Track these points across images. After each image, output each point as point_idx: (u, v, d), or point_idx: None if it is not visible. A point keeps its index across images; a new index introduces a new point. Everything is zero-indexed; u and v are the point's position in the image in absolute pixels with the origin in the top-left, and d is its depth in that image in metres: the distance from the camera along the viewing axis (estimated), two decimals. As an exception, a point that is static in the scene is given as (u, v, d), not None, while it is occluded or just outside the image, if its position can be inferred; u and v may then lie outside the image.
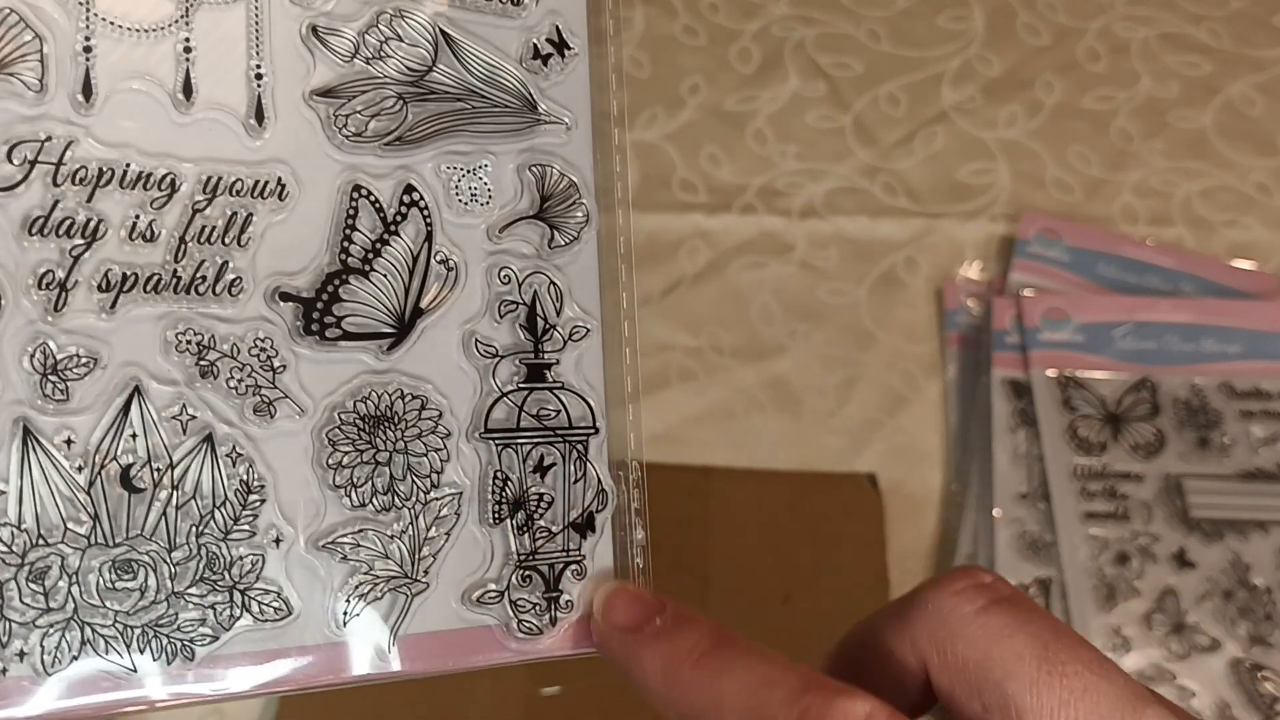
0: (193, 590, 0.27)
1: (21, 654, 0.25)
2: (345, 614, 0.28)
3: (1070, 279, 0.65)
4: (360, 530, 0.28)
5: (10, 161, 0.26)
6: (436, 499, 0.29)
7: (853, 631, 0.29)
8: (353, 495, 0.28)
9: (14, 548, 0.25)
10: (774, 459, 0.62)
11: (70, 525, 0.26)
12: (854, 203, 0.68)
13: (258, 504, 0.27)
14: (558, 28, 0.32)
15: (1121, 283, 0.65)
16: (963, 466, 0.62)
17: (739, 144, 0.69)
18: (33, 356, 0.26)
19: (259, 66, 0.28)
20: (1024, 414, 0.61)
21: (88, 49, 0.27)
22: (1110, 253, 0.66)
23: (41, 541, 0.25)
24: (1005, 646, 0.25)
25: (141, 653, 0.26)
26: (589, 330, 0.32)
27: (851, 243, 0.67)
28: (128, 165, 0.27)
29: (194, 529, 0.27)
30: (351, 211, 0.29)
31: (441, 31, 0.31)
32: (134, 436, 0.26)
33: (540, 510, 0.30)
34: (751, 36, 0.70)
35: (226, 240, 0.28)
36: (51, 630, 0.25)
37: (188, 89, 0.28)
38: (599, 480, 0.31)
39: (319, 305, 0.29)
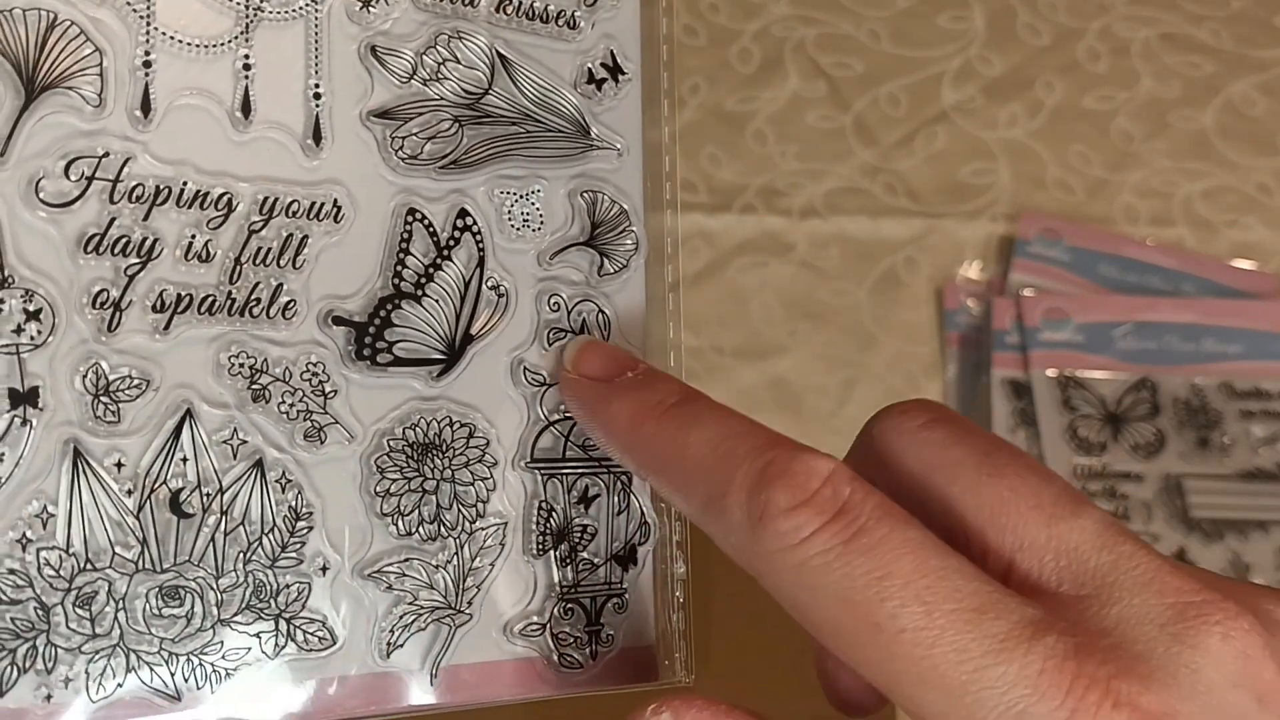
0: (239, 618, 0.26)
1: (67, 680, 0.25)
2: (389, 644, 0.28)
3: (1071, 279, 0.65)
4: (406, 559, 0.28)
5: (68, 177, 0.25)
6: (482, 529, 0.29)
7: None
8: (399, 524, 0.28)
9: (62, 572, 0.25)
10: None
11: (118, 550, 0.25)
12: (854, 203, 0.68)
13: (305, 531, 0.27)
14: (612, 52, 0.32)
15: (1122, 283, 0.65)
16: None
17: (739, 144, 0.68)
18: (85, 377, 0.25)
19: (317, 85, 0.28)
20: (1024, 414, 0.61)
21: (147, 63, 0.26)
22: (1111, 253, 0.66)
23: (89, 566, 0.25)
24: (946, 455, 0.25)
25: (186, 680, 0.26)
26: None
27: (852, 243, 0.67)
28: (184, 184, 0.26)
29: (242, 555, 0.26)
30: (405, 235, 0.29)
31: (498, 54, 0.30)
32: (184, 460, 0.26)
33: (584, 542, 0.30)
34: (751, 36, 0.70)
35: (281, 262, 0.27)
36: (97, 656, 0.25)
37: (246, 107, 0.27)
38: (642, 512, 0.31)
39: (371, 330, 0.28)
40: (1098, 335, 0.62)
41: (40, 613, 0.24)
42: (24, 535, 0.24)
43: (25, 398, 0.25)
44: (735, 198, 0.68)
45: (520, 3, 0.31)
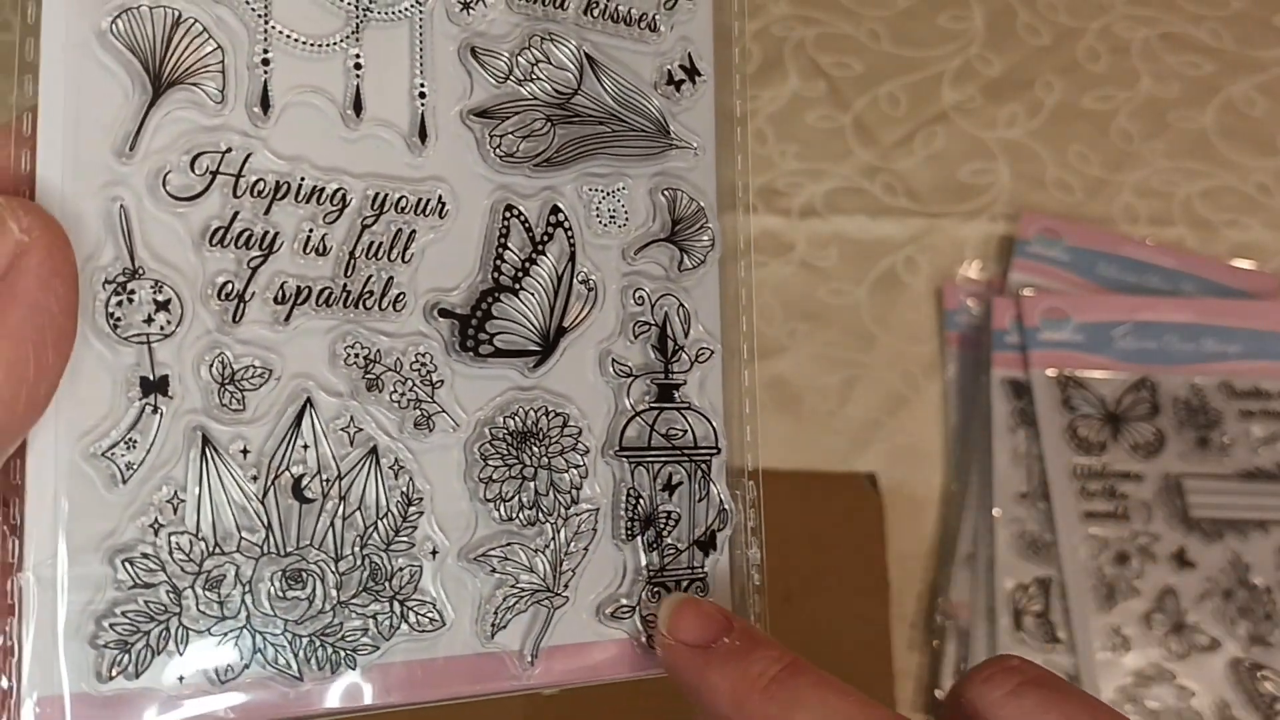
0: (356, 600, 0.27)
1: (197, 661, 0.25)
2: (494, 625, 0.29)
3: (1070, 279, 0.66)
4: (508, 544, 0.29)
5: (193, 171, 0.26)
6: (576, 515, 0.30)
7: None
8: (501, 509, 0.29)
9: (192, 555, 0.25)
10: (774, 459, 0.63)
11: (244, 534, 0.26)
12: (854, 202, 0.68)
13: (416, 516, 0.28)
14: (690, 55, 0.33)
15: (1121, 282, 0.66)
16: (963, 466, 0.63)
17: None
18: (210, 366, 0.26)
19: (422, 85, 0.29)
20: (1024, 414, 0.62)
21: (265, 61, 0.27)
22: (1110, 252, 0.66)
23: (218, 550, 0.26)
24: None
25: (308, 661, 0.26)
26: (713, 352, 0.33)
27: (851, 242, 0.68)
28: (302, 179, 0.27)
29: (359, 539, 0.27)
30: (503, 230, 0.30)
31: (586, 55, 0.31)
32: (305, 447, 0.27)
33: (669, 528, 0.31)
34: (752, 36, 0.71)
35: (392, 256, 0.28)
36: (226, 638, 0.26)
37: (358, 105, 0.28)
38: (720, 499, 0.32)
39: (474, 322, 0.29)
40: (1097, 335, 0.64)
41: (172, 596, 0.25)
42: (156, 520, 0.25)
43: (156, 386, 0.25)
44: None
45: (605, 5, 0.32)
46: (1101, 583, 0.59)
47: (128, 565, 0.25)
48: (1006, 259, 0.67)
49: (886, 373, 0.66)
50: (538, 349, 0.30)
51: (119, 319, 0.25)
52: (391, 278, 0.28)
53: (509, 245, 0.30)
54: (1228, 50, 0.72)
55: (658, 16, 0.33)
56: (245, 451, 0.26)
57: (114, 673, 0.24)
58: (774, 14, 0.72)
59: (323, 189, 0.27)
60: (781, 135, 0.70)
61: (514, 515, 0.29)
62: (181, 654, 0.25)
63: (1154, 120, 0.70)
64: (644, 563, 0.31)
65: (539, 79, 0.30)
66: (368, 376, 0.28)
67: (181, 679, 0.25)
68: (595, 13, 0.32)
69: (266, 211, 0.27)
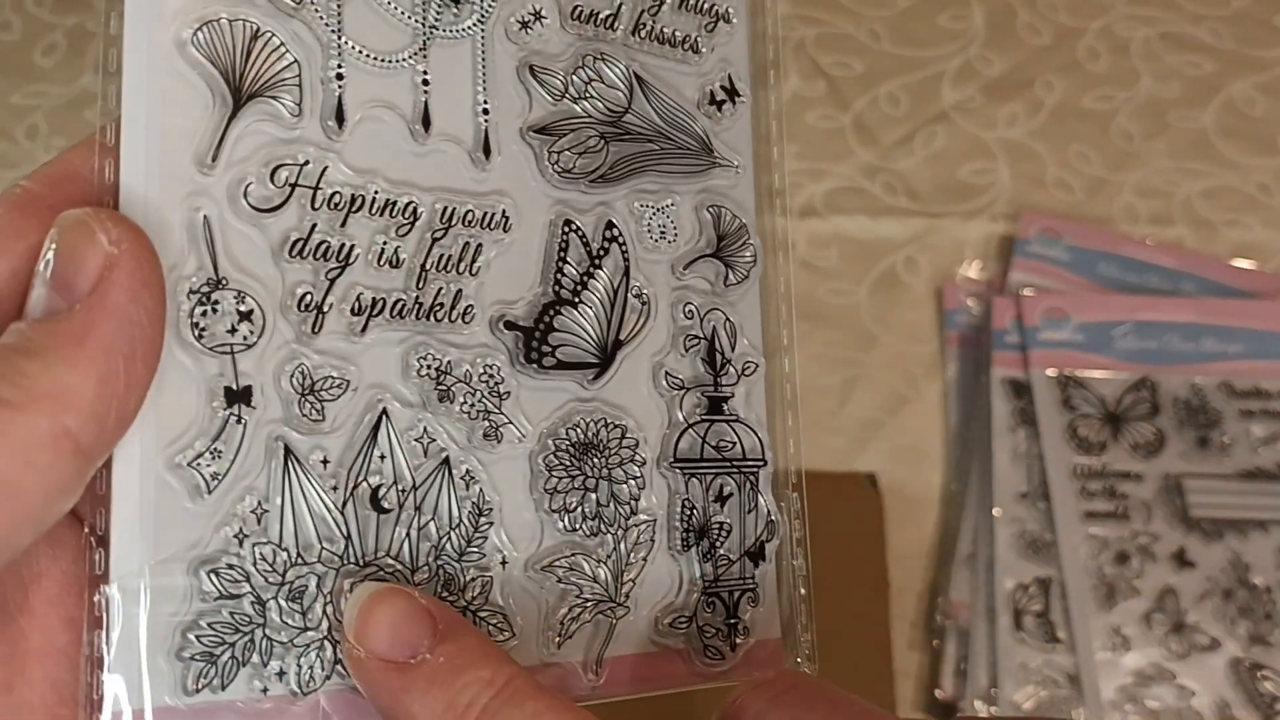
0: (431, 611, 0.27)
1: (281, 673, 0.25)
2: (559, 635, 0.29)
3: (1070, 278, 0.66)
4: (572, 555, 0.29)
5: (272, 183, 0.26)
6: (635, 525, 0.30)
7: None
8: (565, 520, 0.29)
9: (276, 566, 0.25)
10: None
11: (325, 545, 0.26)
12: (854, 202, 0.68)
13: (487, 527, 0.28)
14: (730, 76, 0.34)
15: (1122, 282, 0.66)
16: (963, 466, 0.63)
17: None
18: (291, 377, 0.26)
19: (485, 102, 0.29)
20: (1024, 413, 0.63)
21: (339, 76, 0.27)
22: (1111, 252, 0.67)
23: (300, 560, 0.26)
24: None
25: (386, 672, 0.26)
26: (758, 366, 0.33)
27: (852, 242, 0.68)
28: (375, 192, 0.27)
29: (433, 550, 0.27)
30: (563, 245, 0.30)
31: (635, 75, 0.32)
32: (382, 458, 0.27)
33: (721, 538, 0.32)
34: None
35: (460, 269, 0.28)
36: (308, 650, 0.25)
37: (426, 120, 0.28)
38: (768, 510, 0.33)
39: (537, 334, 0.29)
40: (1097, 335, 0.64)
41: (256, 606, 0.25)
42: (240, 530, 0.25)
43: (240, 396, 0.25)
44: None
45: (651, 27, 0.32)
46: (1101, 582, 0.60)
47: (213, 576, 0.25)
48: (1006, 259, 0.67)
49: (887, 373, 0.66)
50: (597, 361, 0.30)
51: (204, 329, 0.25)
52: (460, 290, 0.28)
53: (568, 259, 0.30)
54: (1228, 50, 0.72)
55: (699, 38, 0.33)
56: (325, 462, 0.26)
57: (199, 685, 0.24)
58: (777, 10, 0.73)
59: (395, 202, 0.28)
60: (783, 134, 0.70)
61: (578, 526, 0.29)
62: (265, 666, 0.25)
63: (1154, 120, 0.71)
64: (699, 573, 0.31)
65: (592, 97, 0.31)
66: (439, 388, 0.28)
67: (265, 690, 0.25)
68: (642, 34, 0.32)
69: (343, 224, 0.27)
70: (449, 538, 0.27)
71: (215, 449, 0.25)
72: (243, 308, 0.25)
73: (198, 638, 0.24)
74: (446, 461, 0.28)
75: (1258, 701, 0.58)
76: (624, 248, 0.31)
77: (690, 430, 0.32)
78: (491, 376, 0.29)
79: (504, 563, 0.28)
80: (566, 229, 0.30)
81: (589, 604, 0.29)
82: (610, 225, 0.31)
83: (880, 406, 0.65)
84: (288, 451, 0.26)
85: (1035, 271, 0.67)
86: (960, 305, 0.66)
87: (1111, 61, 0.72)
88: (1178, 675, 0.58)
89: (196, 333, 0.25)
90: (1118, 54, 0.72)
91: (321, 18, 0.27)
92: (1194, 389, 0.64)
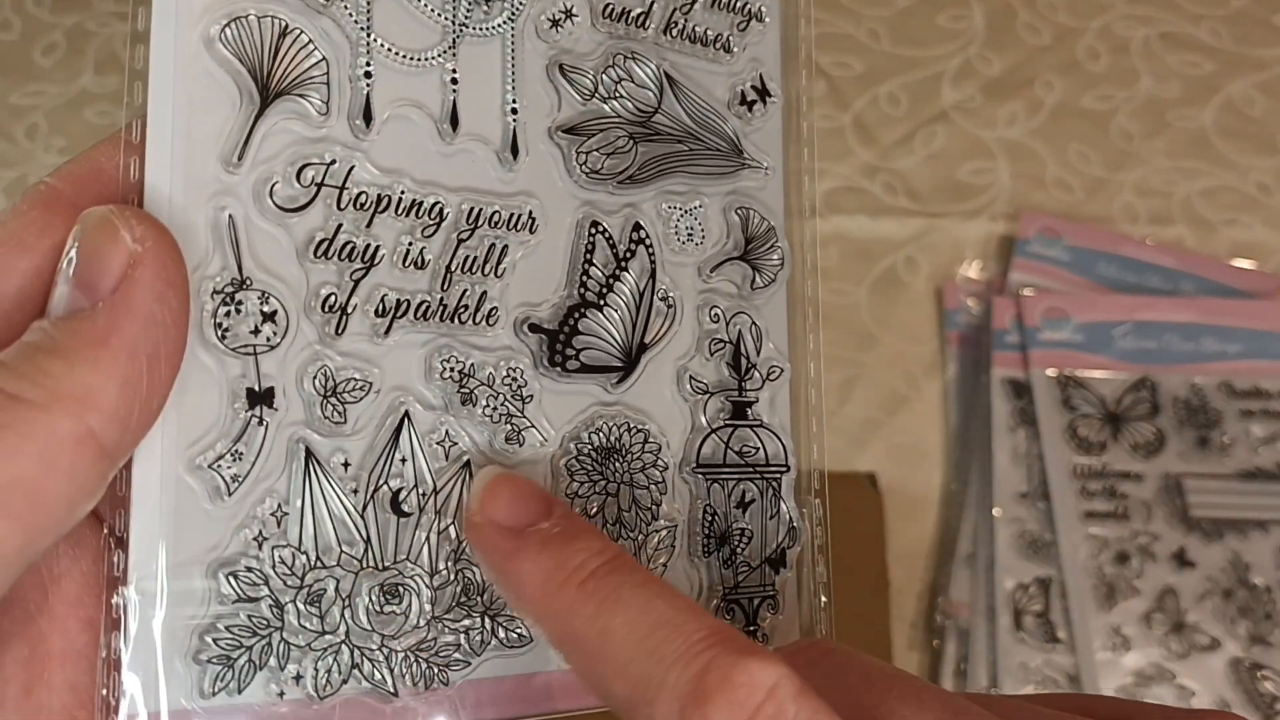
0: (449, 615, 0.27)
1: (298, 677, 0.25)
2: (578, 641, 0.29)
3: (1070, 278, 0.66)
4: (592, 560, 0.29)
5: (298, 182, 0.26)
6: (655, 531, 0.30)
7: None
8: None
9: (294, 569, 0.25)
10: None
11: (344, 548, 0.26)
12: (854, 202, 0.68)
13: (507, 532, 0.28)
14: (761, 76, 0.33)
15: (1121, 282, 0.66)
16: (963, 466, 0.63)
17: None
18: (314, 378, 0.26)
19: (514, 101, 0.29)
20: (1024, 413, 0.63)
21: (368, 74, 0.27)
22: (1110, 252, 0.67)
23: (319, 564, 0.25)
24: None
25: (403, 678, 0.26)
26: (783, 370, 0.33)
27: (852, 242, 0.68)
28: (402, 192, 0.27)
29: (452, 554, 0.27)
30: (589, 246, 0.30)
31: (665, 74, 0.31)
32: (403, 461, 0.27)
33: (742, 545, 0.31)
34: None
35: (485, 271, 0.28)
36: (325, 654, 0.25)
37: (454, 119, 0.28)
38: (790, 517, 0.32)
39: (561, 337, 0.29)
40: (1097, 335, 0.64)
41: (274, 610, 0.25)
42: (260, 533, 0.25)
43: (262, 398, 0.25)
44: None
45: (683, 25, 0.32)
46: (1101, 582, 0.60)
47: (232, 579, 0.24)
48: (1006, 259, 0.67)
49: (886, 372, 0.66)
50: (621, 365, 0.30)
51: (227, 330, 0.25)
52: (485, 292, 0.28)
53: (594, 261, 0.30)
54: (1227, 49, 0.72)
55: (731, 37, 0.33)
56: (346, 464, 0.26)
57: (216, 688, 0.24)
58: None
59: (421, 202, 0.27)
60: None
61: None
62: (282, 669, 0.25)
63: (1154, 119, 0.70)
64: (720, 579, 0.31)
65: (622, 97, 0.31)
66: (462, 391, 0.28)
67: (282, 694, 0.25)
68: (674, 32, 0.32)
69: (368, 224, 0.27)
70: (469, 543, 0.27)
71: (236, 451, 0.25)
72: (266, 308, 0.25)
73: (215, 640, 0.24)
74: (468, 465, 0.27)
75: (1258, 701, 0.58)
76: (650, 250, 0.31)
77: (713, 435, 0.31)
78: (514, 379, 0.28)
79: (523, 568, 0.28)
80: (593, 230, 0.30)
81: (608, 610, 0.29)
82: (637, 227, 0.31)
83: (880, 406, 0.65)
84: (309, 454, 0.26)
85: (1035, 271, 0.66)
86: (960, 305, 0.66)
87: (1111, 61, 0.72)
88: (1177, 675, 0.58)
89: (220, 333, 0.25)
90: (1117, 54, 0.72)
91: (351, 15, 0.27)
92: (1194, 389, 0.64)
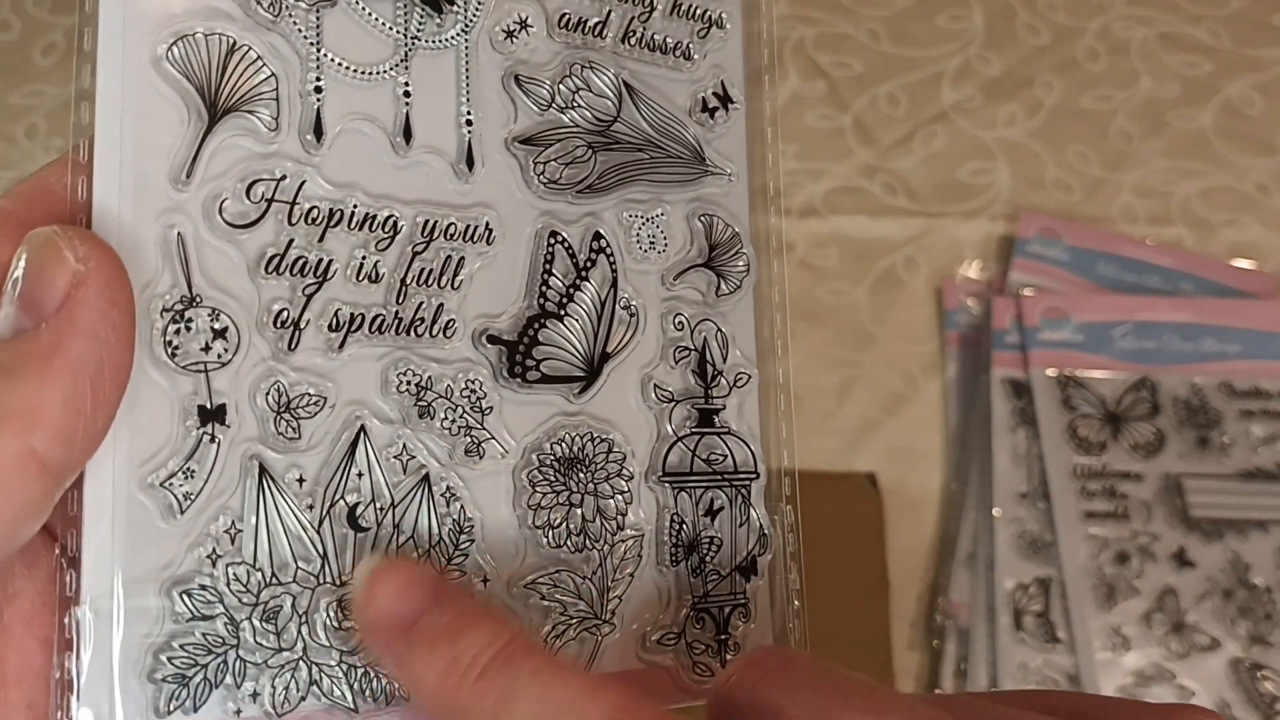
0: (410, 630, 0.27)
1: (255, 694, 0.25)
2: (543, 654, 0.28)
3: (1070, 279, 0.66)
4: (556, 571, 0.29)
5: (248, 198, 0.26)
6: (621, 540, 0.30)
7: None
8: (549, 536, 0.29)
9: (249, 586, 0.25)
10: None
11: (301, 564, 0.26)
12: (854, 202, 0.68)
13: (468, 544, 0.28)
14: (723, 83, 0.33)
15: (1121, 282, 0.66)
16: (962, 466, 0.63)
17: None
18: (267, 395, 0.26)
19: (468, 112, 0.29)
20: (1024, 413, 0.62)
21: (318, 89, 0.27)
22: (1110, 252, 0.67)
23: (275, 580, 0.25)
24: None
25: (362, 693, 0.26)
26: (750, 377, 0.33)
27: (851, 242, 0.68)
28: (354, 206, 0.27)
29: (412, 569, 0.27)
30: (548, 256, 0.30)
31: (624, 83, 0.31)
32: (359, 475, 0.27)
33: (711, 553, 0.31)
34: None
35: (442, 283, 0.28)
36: (283, 671, 0.25)
37: (407, 132, 0.28)
38: (760, 524, 0.32)
39: (520, 348, 0.29)
40: (1097, 335, 0.64)
41: (230, 627, 0.25)
42: (213, 550, 0.25)
43: (214, 415, 0.25)
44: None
45: (642, 34, 0.32)
46: (1101, 582, 0.59)
47: (185, 597, 0.24)
48: (1006, 259, 0.67)
49: (886, 373, 0.66)
50: (583, 375, 0.30)
51: (177, 347, 0.25)
52: (441, 304, 0.28)
53: (554, 271, 0.30)
54: (1226, 50, 0.72)
55: (691, 45, 0.33)
56: (301, 480, 0.26)
57: (172, 707, 0.24)
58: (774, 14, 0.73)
59: (374, 216, 0.27)
60: (781, 135, 0.70)
61: (562, 542, 0.29)
62: (238, 687, 0.25)
63: (1153, 120, 0.70)
64: (689, 588, 0.31)
65: (580, 106, 0.31)
66: (419, 404, 0.27)
67: (239, 713, 0.25)
68: (632, 41, 0.32)
69: (320, 239, 0.27)
70: (429, 555, 0.27)
71: (188, 468, 0.25)
72: (217, 325, 0.25)
73: (170, 659, 0.24)
74: (426, 478, 0.27)
75: (1257, 701, 0.57)
76: (612, 259, 0.31)
77: (680, 443, 0.31)
78: (473, 391, 0.28)
79: (485, 581, 0.28)
80: (552, 240, 0.30)
81: (574, 622, 0.29)
82: (598, 236, 0.31)
83: (879, 406, 0.65)
84: (263, 470, 0.25)
85: (1035, 271, 0.66)
86: (960, 305, 0.66)
87: (1110, 61, 0.72)
88: (1177, 675, 0.58)
89: (170, 351, 0.25)
90: (1116, 54, 0.72)
91: (300, 30, 0.27)
92: (1194, 389, 0.63)
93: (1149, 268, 0.66)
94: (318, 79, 0.27)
